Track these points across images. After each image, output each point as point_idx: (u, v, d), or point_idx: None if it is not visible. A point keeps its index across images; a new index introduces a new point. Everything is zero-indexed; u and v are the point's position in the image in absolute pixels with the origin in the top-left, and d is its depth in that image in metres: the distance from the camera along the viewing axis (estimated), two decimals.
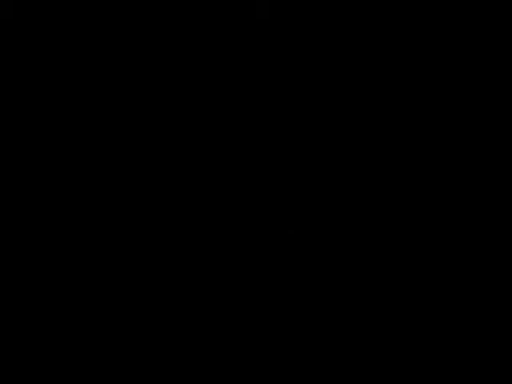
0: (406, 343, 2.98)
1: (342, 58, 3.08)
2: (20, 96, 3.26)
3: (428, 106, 3.04)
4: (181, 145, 2.82)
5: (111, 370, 3.12)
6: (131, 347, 3.09)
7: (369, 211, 2.98)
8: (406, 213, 2.97)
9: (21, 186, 3.27)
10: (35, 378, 3.17)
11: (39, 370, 3.18)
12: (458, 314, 2.96)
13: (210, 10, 3.18)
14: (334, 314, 2.98)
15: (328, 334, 3.01)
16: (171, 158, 2.76)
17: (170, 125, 3.19)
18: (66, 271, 3.29)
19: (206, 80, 2.76)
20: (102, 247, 3.27)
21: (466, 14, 2.97)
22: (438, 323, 2.97)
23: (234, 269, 2.76)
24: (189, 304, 2.85)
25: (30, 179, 3.26)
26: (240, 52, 3.08)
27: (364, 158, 3.06)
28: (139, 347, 3.03)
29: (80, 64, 3.26)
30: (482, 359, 2.92)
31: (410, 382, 2.91)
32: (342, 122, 3.08)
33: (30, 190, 3.28)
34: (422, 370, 2.96)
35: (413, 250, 2.96)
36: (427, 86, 3.04)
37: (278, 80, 3.08)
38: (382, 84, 3.07)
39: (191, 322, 2.82)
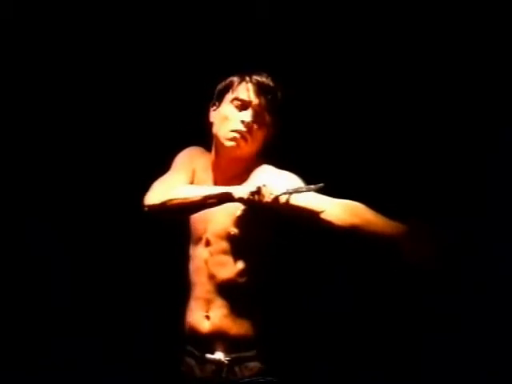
0: None
1: (342, 58, 3.08)
2: (20, 95, 3.25)
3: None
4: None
5: None
6: None
7: None
8: None
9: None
10: None
11: None
12: None
13: (210, 9, 3.19)
14: None
15: None
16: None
17: (167, 125, 3.19)
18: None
19: (206, 79, 2.74)
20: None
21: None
22: None
23: None
24: None
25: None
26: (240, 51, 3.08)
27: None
28: None
29: (80, 64, 3.26)
30: None
31: None
32: (342, 124, 3.08)
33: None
34: None
35: None
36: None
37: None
38: (381, 84, 3.07)
39: None
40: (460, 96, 3.01)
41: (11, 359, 3.21)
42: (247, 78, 2.55)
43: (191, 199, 2.46)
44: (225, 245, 2.53)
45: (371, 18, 3.05)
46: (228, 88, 2.58)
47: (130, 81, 3.24)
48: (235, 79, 2.57)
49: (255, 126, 2.54)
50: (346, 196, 2.36)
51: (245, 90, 2.55)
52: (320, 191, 2.36)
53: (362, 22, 3.06)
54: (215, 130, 2.59)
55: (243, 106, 2.55)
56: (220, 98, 2.60)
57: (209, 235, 2.56)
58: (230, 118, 2.56)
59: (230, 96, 2.56)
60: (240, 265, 2.52)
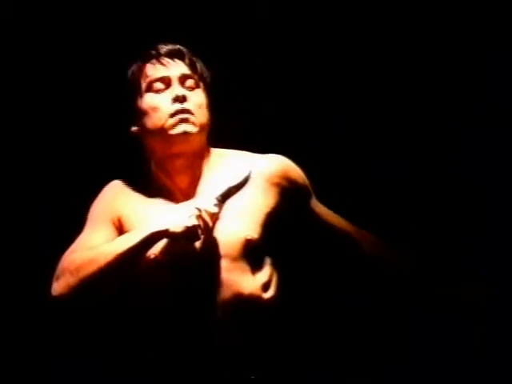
0: None
1: (342, 58, 3.07)
2: (20, 95, 3.25)
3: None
4: None
5: None
6: None
7: None
8: None
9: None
10: None
11: None
12: None
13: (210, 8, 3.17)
14: None
15: None
16: None
17: None
18: None
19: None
20: None
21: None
22: None
23: None
24: None
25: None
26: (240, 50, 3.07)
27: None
28: None
29: (80, 63, 3.25)
30: None
31: None
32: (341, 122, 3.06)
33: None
34: None
35: None
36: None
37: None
38: (382, 84, 3.05)
39: None
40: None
41: None
42: (152, 54, 2.09)
43: (111, 263, 1.88)
44: None
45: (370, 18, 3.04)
46: (136, 79, 2.09)
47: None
48: (137, 64, 2.10)
49: (194, 97, 2.07)
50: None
51: (156, 67, 2.07)
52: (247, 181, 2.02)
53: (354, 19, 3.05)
54: (147, 131, 2.08)
55: (164, 84, 2.07)
56: (134, 98, 2.09)
57: None
58: (158, 106, 2.05)
59: (143, 85, 2.07)
60: None
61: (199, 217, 1.90)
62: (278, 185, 2.07)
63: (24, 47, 3.20)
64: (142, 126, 2.08)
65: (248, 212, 2.03)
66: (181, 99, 2.04)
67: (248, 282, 1.99)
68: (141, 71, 2.09)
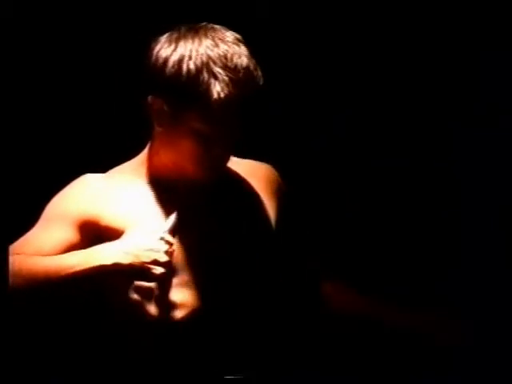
0: None
1: (342, 58, 3.06)
2: (20, 95, 3.25)
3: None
4: None
5: None
6: None
7: None
8: None
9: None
10: None
11: None
12: None
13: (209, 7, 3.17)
14: None
15: None
16: None
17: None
18: None
19: None
20: None
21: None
22: None
23: None
24: None
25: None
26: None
27: None
28: None
29: (81, 63, 3.25)
30: None
31: None
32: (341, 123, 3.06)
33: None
34: None
35: None
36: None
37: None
38: (382, 84, 3.05)
39: None
40: None
41: None
42: (225, 85, 1.67)
43: (54, 284, 1.55)
44: None
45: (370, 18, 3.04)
46: (195, 98, 1.67)
47: (129, 78, 3.21)
48: (209, 88, 1.66)
49: (232, 139, 1.74)
50: None
51: (219, 109, 1.66)
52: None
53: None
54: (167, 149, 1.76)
55: (214, 129, 1.68)
56: (176, 100, 1.71)
57: None
58: (196, 155, 1.70)
59: (194, 117, 1.67)
60: None
61: (168, 252, 1.59)
62: (275, 193, 1.96)
63: (24, 47, 3.20)
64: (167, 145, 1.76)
65: (262, 217, 1.88)
66: (220, 157, 1.80)
67: (273, 286, 1.84)
68: (206, 99, 1.73)
